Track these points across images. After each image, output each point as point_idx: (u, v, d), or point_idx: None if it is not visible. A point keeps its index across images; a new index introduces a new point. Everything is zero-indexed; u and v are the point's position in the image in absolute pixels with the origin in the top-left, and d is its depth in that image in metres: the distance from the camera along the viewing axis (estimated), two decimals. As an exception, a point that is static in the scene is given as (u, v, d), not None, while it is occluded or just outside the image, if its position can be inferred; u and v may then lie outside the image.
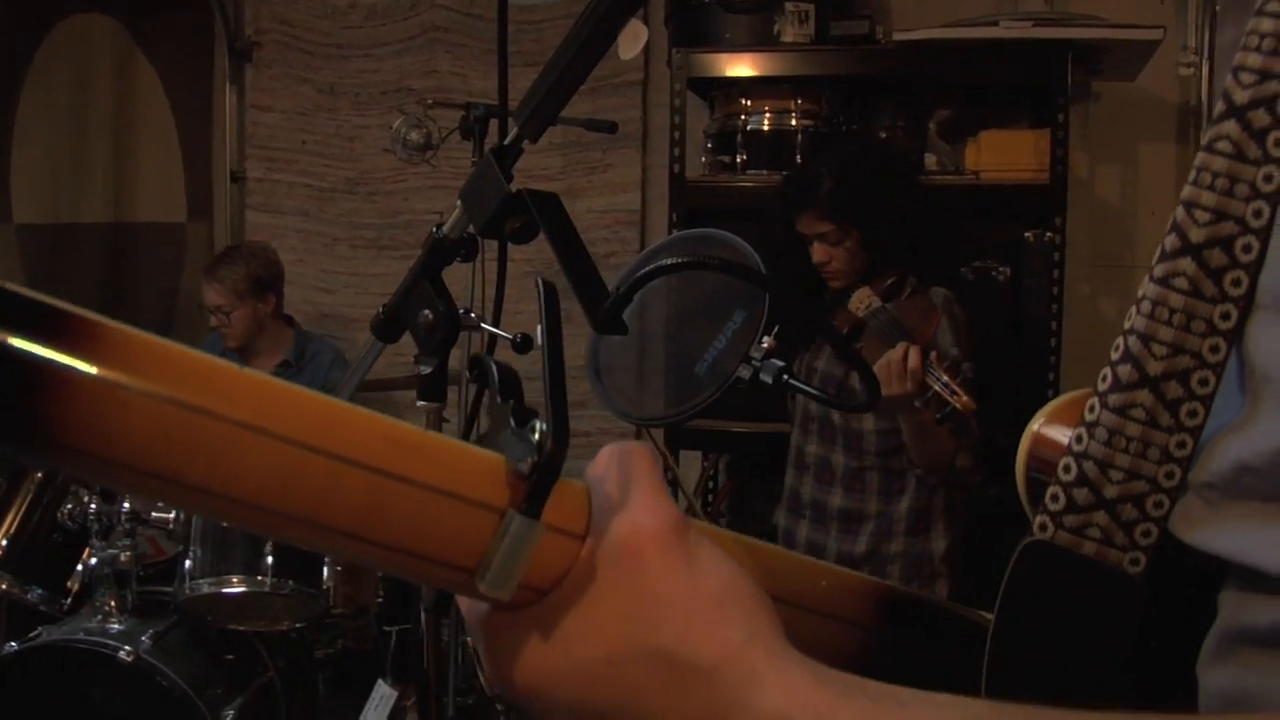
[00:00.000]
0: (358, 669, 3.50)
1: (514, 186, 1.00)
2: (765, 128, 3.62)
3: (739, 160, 3.63)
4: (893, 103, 3.76)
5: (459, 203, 1.05)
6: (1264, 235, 0.55)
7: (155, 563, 3.23)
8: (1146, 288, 0.58)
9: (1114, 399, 0.58)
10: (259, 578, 2.95)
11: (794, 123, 3.59)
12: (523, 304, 3.58)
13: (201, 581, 2.95)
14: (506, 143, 1.02)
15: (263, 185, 4.95)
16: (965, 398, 2.38)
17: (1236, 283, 0.56)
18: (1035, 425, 0.70)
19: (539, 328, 0.54)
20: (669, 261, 1.02)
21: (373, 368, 1.42)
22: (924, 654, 0.70)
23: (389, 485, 0.49)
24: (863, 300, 2.67)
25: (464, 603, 0.58)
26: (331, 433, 0.48)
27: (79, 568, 3.02)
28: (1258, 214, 0.55)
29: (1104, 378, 0.59)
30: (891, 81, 3.76)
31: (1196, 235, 0.56)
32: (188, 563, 2.97)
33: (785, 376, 1.18)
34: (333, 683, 3.44)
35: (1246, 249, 0.55)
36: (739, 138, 3.63)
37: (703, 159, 3.81)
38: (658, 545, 0.53)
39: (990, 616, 0.63)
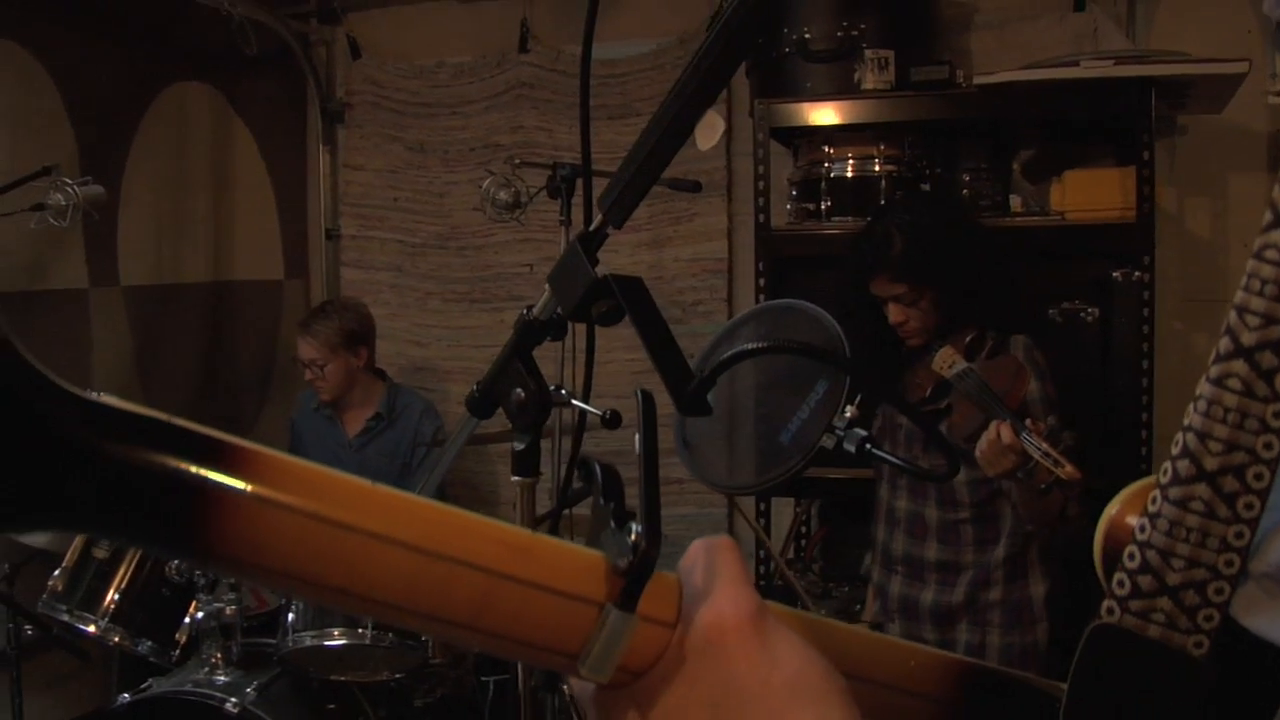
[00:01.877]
0: (457, 717, 3.55)
1: (601, 270, 1.05)
2: (849, 174, 3.64)
3: (824, 207, 3.66)
4: (975, 146, 3.76)
5: (548, 286, 1.10)
6: None
7: (258, 615, 3.32)
8: (1203, 387, 0.61)
9: (1174, 492, 0.61)
10: (359, 630, 3.02)
11: (877, 169, 3.62)
12: (603, 354, 3.61)
13: (304, 634, 3.03)
14: (592, 229, 1.07)
15: (356, 242, 5.09)
16: (1069, 467, 2.31)
17: None
18: (1113, 510, 0.72)
19: (636, 436, 0.58)
20: (750, 347, 1.06)
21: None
22: None
23: (500, 584, 0.55)
24: (947, 360, 2.60)
25: (574, 680, 0.63)
26: (450, 539, 0.54)
27: (186, 620, 3.12)
28: None
29: (1165, 471, 0.62)
30: (973, 125, 3.75)
31: (1248, 339, 0.59)
32: (290, 615, 3.06)
33: (868, 446, 1.21)
34: (432, 731, 3.49)
35: None
36: (823, 185, 3.66)
37: (788, 207, 3.84)
38: (737, 634, 0.58)
39: None
